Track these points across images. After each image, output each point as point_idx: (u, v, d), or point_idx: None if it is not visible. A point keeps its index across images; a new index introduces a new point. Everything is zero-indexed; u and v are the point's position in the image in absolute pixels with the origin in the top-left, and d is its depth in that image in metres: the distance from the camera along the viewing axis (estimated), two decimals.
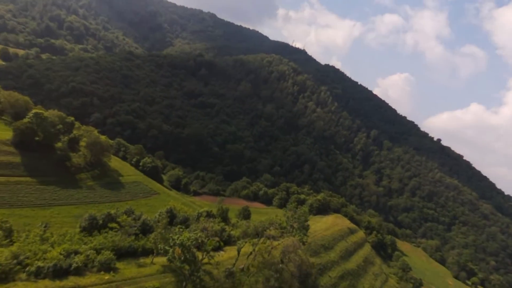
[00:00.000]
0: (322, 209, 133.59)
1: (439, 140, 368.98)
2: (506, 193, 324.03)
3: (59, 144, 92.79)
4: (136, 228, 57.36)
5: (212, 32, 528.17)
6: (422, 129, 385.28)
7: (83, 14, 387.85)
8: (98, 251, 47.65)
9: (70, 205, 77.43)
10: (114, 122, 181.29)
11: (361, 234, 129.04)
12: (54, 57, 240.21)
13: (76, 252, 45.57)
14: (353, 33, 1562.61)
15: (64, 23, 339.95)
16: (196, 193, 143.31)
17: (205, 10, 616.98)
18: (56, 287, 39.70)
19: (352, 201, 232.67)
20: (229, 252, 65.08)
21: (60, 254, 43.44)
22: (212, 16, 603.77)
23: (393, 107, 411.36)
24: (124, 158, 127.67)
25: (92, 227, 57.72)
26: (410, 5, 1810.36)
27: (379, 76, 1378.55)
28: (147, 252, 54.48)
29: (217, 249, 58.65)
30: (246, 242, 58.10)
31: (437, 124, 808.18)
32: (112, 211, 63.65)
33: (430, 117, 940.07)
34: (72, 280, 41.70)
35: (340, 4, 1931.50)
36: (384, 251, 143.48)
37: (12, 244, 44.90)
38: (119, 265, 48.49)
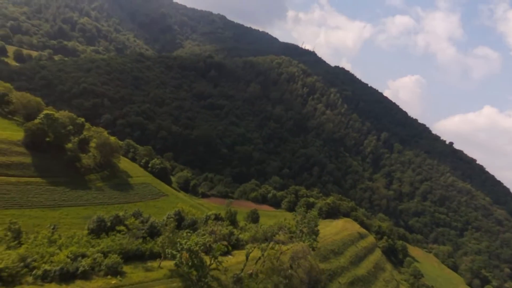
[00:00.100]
0: (332, 213, 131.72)
1: (451, 143, 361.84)
2: None
3: (69, 145, 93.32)
4: (143, 231, 56.83)
5: (222, 34, 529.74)
6: (434, 132, 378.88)
7: (95, 16, 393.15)
8: (105, 255, 47.20)
9: (79, 206, 77.52)
10: (124, 123, 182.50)
11: (371, 239, 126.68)
12: (66, 59, 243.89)
13: (83, 255, 45.19)
14: (363, 34, 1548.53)
15: (77, 25, 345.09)
16: (204, 195, 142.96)
17: (215, 12, 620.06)
18: None
19: (361, 205, 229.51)
20: (237, 257, 64.13)
21: (67, 257, 43.09)
22: (222, 17, 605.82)
23: (404, 109, 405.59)
24: (133, 159, 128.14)
25: (100, 229, 57.43)
26: (422, 6, 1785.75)
27: (389, 78, 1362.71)
28: (154, 256, 53.87)
29: (225, 253, 57.74)
30: (255, 247, 57.01)
31: (449, 127, 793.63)
32: (121, 213, 63.36)
33: (442, 120, 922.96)
34: (78, 284, 41.27)
35: (351, 5, 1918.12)
36: (395, 256, 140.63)
37: (20, 246, 44.74)
38: (126, 268, 47.95)
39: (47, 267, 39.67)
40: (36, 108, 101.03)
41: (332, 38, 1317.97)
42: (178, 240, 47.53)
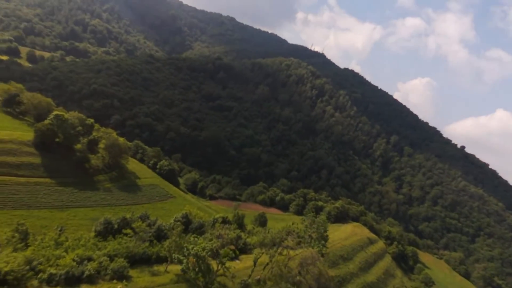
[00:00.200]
0: (340, 217, 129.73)
1: (462, 147, 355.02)
2: None
3: (78, 146, 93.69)
4: (150, 234, 56.24)
5: (231, 36, 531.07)
6: (445, 135, 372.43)
7: (106, 18, 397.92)
8: (111, 258, 46.68)
9: (87, 207, 77.52)
10: (133, 124, 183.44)
11: (381, 244, 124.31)
12: (77, 60, 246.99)
13: (90, 259, 44.72)
14: (373, 36, 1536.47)
15: (88, 27, 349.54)
16: (212, 197, 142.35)
17: (225, 14, 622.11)
18: None
19: (370, 209, 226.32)
20: (245, 262, 63.10)
21: (73, 260, 42.66)
22: (231, 19, 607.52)
23: (414, 112, 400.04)
24: (141, 160, 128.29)
25: (107, 232, 57.08)
26: (433, 8, 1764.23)
27: (399, 81, 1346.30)
28: (161, 260, 53.22)
29: (233, 258, 56.77)
30: (263, 253, 55.92)
31: (460, 130, 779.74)
32: (128, 215, 63.01)
33: (453, 123, 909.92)
34: None
35: (360, 7, 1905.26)
36: (405, 263, 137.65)
37: (26, 248, 44.49)
38: (132, 272, 47.35)
39: (52, 270, 39.26)
40: (47, 108, 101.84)
41: (342, 40, 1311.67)
42: (185, 245, 46.71)
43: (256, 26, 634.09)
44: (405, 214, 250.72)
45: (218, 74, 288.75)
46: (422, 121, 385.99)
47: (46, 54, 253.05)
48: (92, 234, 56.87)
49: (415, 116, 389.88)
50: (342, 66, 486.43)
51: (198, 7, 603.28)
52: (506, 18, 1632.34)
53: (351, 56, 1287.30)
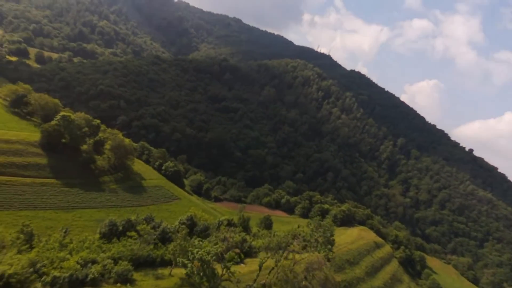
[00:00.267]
0: (347, 221, 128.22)
1: (471, 150, 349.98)
2: None
3: (84, 147, 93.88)
4: (155, 236, 55.78)
5: (237, 37, 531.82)
6: (452, 138, 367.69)
7: (114, 20, 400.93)
8: (115, 261, 46.24)
9: (92, 208, 77.46)
10: (139, 125, 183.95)
11: (387, 248, 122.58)
12: (85, 61, 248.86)
13: (94, 262, 44.32)
14: (380, 38, 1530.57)
15: (96, 28, 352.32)
16: (217, 199, 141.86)
17: (231, 15, 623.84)
18: None
19: (377, 212, 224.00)
20: (250, 265, 62.34)
21: (77, 263, 42.30)
22: (238, 21, 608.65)
23: (421, 114, 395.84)
24: (147, 162, 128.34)
25: (112, 234, 56.77)
26: (441, 9, 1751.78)
27: (406, 83, 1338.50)
28: (165, 263, 52.71)
29: (238, 262, 56.01)
30: (268, 257, 55.05)
31: (468, 133, 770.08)
32: (133, 217, 62.70)
33: (461, 126, 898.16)
34: None
35: (367, 9, 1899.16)
36: (413, 268, 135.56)
37: (31, 250, 44.27)
38: (136, 276, 46.87)
39: (56, 273, 38.89)
40: (54, 109, 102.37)
41: (348, 41, 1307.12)
42: (189, 249, 46.13)
43: (263, 28, 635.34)
44: (412, 218, 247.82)
45: (224, 75, 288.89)
46: (430, 123, 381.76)
47: (54, 55, 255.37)
48: (97, 236, 56.59)
49: (422, 119, 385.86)
50: (348, 68, 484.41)
51: (205, 9, 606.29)
52: None
53: (358, 58, 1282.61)
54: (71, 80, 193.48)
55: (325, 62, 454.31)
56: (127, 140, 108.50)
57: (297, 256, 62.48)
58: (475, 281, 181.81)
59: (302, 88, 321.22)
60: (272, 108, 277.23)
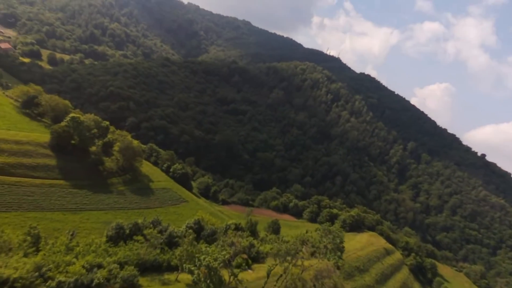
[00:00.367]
0: (356, 226, 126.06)
1: (483, 155, 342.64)
2: None
3: (93, 148, 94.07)
4: (162, 241, 55.09)
5: (247, 40, 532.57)
6: (464, 142, 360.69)
7: (125, 22, 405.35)
8: (122, 265, 45.63)
9: (100, 210, 77.27)
10: (148, 127, 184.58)
11: (398, 255, 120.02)
12: (96, 63, 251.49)
13: (100, 266, 43.79)
14: (390, 41, 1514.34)
15: (107, 30, 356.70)
16: (224, 202, 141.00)
17: (240, 18, 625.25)
18: None
19: (386, 217, 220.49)
20: (258, 271, 61.17)
21: (83, 267, 41.76)
22: (247, 23, 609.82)
23: (432, 118, 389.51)
24: (155, 163, 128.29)
25: (119, 237, 56.33)
26: (452, 12, 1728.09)
27: (416, 86, 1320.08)
28: (172, 268, 51.95)
29: (245, 268, 54.95)
30: (276, 265, 53.90)
31: (480, 137, 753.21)
32: (140, 221, 62.26)
33: (472, 130, 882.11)
34: None
35: (378, 11, 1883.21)
36: (424, 275, 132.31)
37: (37, 253, 43.94)
38: (142, 281, 46.19)
39: (61, 278, 38.39)
40: (64, 110, 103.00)
41: (358, 44, 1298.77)
42: (196, 255, 45.25)
43: (272, 30, 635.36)
44: (422, 224, 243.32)
45: (233, 77, 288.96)
46: (441, 127, 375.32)
47: (66, 57, 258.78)
48: (104, 239, 56.19)
49: (433, 123, 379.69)
50: (358, 70, 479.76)
51: (215, 11, 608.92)
52: None
53: (367, 61, 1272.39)
54: (82, 82, 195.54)
55: (334, 64, 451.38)
56: (135, 142, 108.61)
57: (306, 262, 61.21)
58: None
59: (311, 91, 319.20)
60: (280, 110, 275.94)
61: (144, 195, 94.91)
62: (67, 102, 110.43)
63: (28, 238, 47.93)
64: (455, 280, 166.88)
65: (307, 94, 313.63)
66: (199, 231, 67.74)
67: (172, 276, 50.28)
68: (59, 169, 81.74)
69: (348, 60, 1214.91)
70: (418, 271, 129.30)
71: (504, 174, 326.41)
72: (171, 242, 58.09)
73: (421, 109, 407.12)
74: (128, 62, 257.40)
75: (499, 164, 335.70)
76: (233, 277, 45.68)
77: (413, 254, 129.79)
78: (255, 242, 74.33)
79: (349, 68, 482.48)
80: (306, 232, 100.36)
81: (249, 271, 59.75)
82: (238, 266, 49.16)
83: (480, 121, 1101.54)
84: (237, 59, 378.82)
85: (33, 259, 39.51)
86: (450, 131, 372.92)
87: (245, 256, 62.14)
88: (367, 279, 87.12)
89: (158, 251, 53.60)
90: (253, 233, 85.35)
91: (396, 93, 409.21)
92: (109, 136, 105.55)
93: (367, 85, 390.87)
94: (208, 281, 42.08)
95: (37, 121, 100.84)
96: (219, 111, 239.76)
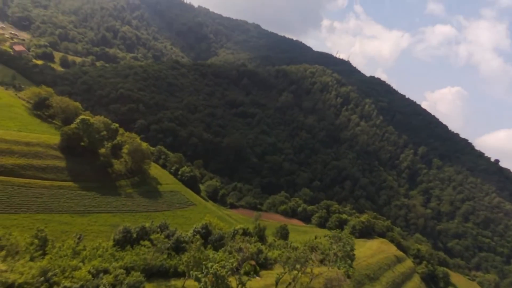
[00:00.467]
0: (366, 232, 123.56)
1: (496, 160, 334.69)
2: None
3: (102, 150, 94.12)
4: (169, 245, 54.30)
5: (256, 43, 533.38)
6: (476, 148, 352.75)
7: (136, 25, 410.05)
8: (128, 271, 44.91)
9: (107, 213, 76.95)
10: (157, 129, 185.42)
11: (409, 263, 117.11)
12: (107, 65, 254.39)
13: (106, 271, 43.13)
14: (400, 44, 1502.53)
15: (118, 33, 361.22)
16: (232, 206, 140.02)
17: (250, 21, 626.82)
18: None
19: (396, 223, 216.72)
20: (266, 278, 59.79)
21: (89, 272, 41.17)
22: (257, 27, 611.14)
23: (443, 123, 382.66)
24: (164, 166, 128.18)
25: (126, 241, 55.68)
26: (464, 15, 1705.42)
27: (427, 89, 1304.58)
28: (178, 274, 51.05)
29: (253, 276, 53.75)
30: (285, 273, 52.58)
31: (493, 142, 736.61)
32: (147, 224, 61.61)
33: (484, 135, 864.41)
34: None
35: (388, 14, 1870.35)
36: (436, 284, 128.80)
37: (43, 257, 43.55)
38: (148, 287, 45.36)
39: (67, 283, 37.79)
40: (74, 112, 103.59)
41: (368, 47, 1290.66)
42: (204, 262, 44.30)
43: (281, 33, 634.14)
44: (434, 230, 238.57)
45: (242, 80, 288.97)
46: (453, 132, 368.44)
47: (78, 59, 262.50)
48: (111, 243, 55.65)
49: (445, 127, 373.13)
50: (367, 74, 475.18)
51: (224, 15, 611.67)
52: None
53: (377, 64, 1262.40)
54: (93, 84, 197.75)
55: (344, 68, 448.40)
56: (144, 144, 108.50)
57: (315, 270, 59.74)
58: None
59: (321, 94, 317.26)
60: (289, 114, 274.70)
61: (152, 198, 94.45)
62: (77, 104, 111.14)
63: (36, 241, 47.64)
64: None
65: (317, 97, 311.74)
66: (206, 236, 66.80)
67: (179, 283, 49.38)
68: (68, 170, 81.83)
69: (358, 63, 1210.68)
70: (430, 280, 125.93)
71: None
72: (178, 247, 57.24)
73: (432, 113, 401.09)
74: (138, 64, 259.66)
75: None
76: (241, 286, 44.56)
77: (424, 262, 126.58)
78: (263, 247, 72.97)
79: (359, 71, 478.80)
80: (315, 238, 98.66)
81: (257, 278, 58.49)
82: (247, 274, 48.02)
83: (493, 126, 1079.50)
84: (246, 62, 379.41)
85: (39, 263, 39.06)
86: (461, 135, 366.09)
87: (253, 262, 60.93)
88: None
89: (165, 256, 52.83)
90: (261, 238, 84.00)
91: (406, 96, 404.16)
92: (118, 138, 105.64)
93: (377, 88, 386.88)
94: None
95: (48, 122, 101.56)
96: (227, 114, 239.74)
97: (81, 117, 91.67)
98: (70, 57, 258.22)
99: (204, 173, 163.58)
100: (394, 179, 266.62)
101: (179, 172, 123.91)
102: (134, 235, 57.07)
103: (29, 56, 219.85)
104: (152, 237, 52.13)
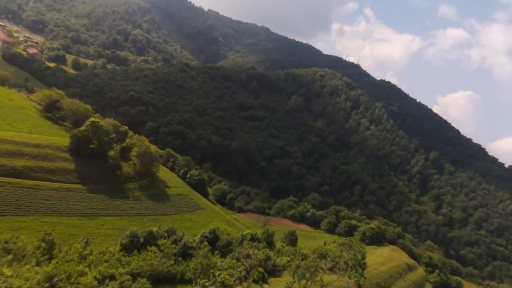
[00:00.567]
0: (376, 239, 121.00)
1: (511, 167, 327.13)
2: None
3: (111, 153, 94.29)
4: (176, 251, 53.47)
5: (265, 46, 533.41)
6: (489, 153, 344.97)
7: (146, 28, 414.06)
8: (134, 277, 44.16)
9: (115, 216, 76.80)
10: (166, 132, 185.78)
11: (421, 271, 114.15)
12: (117, 68, 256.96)
13: (112, 277, 42.46)
14: (411, 47, 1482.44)
15: (129, 36, 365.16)
16: (240, 210, 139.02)
17: (260, 24, 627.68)
18: None
19: (407, 229, 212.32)
20: (274, 286, 58.46)
21: (95, 278, 40.51)
22: (266, 30, 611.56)
23: (455, 127, 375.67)
24: (172, 169, 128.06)
25: (133, 246, 55.14)
26: (477, 19, 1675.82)
27: (438, 93, 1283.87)
28: (185, 281, 50.14)
29: (262, 285, 52.51)
30: (295, 282, 51.20)
31: (506, 148, 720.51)
32: (154, 229, 61.01)
33: (498, 140, 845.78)
34: None
35: (398, 18, 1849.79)
36: None
37: (50, 261, 43.11)
38: None
39: None
40: (84, 114, 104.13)
41: (378, 51, 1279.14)
42: (211, 270, 43.28)
43: (291, 37, 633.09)
44: (445, 237, 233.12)
45: (251, 83, 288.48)
46: (465, 137, 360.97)
47: (89, 62, 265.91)
48: (118, 247, 55.12)
49: (457, 132, 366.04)
50: (378, 77, 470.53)
51: (234, 18, 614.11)
52: None
53: (388, 68, 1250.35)
54: (104, 86, 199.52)
55: (353, 71, 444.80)
56: (153, 147, 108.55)
57: (325, 278, 58.21)
58: None
59: (330, 98, 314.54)
60: (298, 117, 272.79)
61: (160, 201, 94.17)
62: (88, 106, 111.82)
63: (43, 244, 47.36)
64: None
65: (326, 101, 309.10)
66: (214, 241, 65.82)
67: None
68: (77, 173, 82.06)
69: (368, 67, 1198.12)
70: None
71: None
72: (186, 253, 56.38)
73: (444, 118, 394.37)
74: (148, 67, 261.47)
75: None
76: None
77: (437, 270, 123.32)
78: (271, 254, 71.65)
79: (369, 75, 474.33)
80: (324, 244, 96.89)
81: (265, 285, 57.20)
82: (255, 282, 46.84)
83: (506, 131, 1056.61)
84: (256, 65, 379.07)
85: (45, 268, 38.53)
86: (474, 140, 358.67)
87: (261, 269, 59.76)
88: None
89: (171, 261, 52.01)
90: (270, 244, 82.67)
91: (417, 100, 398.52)
92: (127, 140, 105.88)
93: (387, 92, 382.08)
94: None
95: (58, 124, 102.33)
96: (236, 117, 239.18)
97: (91, 119, 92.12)
98: (82, 60, 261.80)
99: (213, 176, 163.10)
100: (404, 184, 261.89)
101: (188, 175, 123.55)
102: (141, 240, 56.51)
103: (42, 59, 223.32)
104: (159, 242, 51.39)
